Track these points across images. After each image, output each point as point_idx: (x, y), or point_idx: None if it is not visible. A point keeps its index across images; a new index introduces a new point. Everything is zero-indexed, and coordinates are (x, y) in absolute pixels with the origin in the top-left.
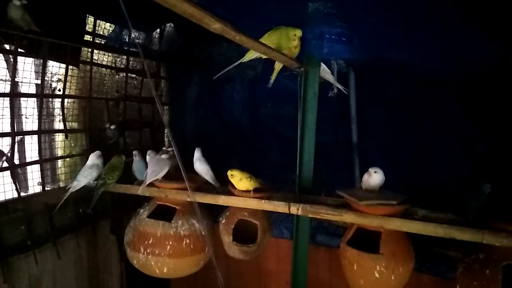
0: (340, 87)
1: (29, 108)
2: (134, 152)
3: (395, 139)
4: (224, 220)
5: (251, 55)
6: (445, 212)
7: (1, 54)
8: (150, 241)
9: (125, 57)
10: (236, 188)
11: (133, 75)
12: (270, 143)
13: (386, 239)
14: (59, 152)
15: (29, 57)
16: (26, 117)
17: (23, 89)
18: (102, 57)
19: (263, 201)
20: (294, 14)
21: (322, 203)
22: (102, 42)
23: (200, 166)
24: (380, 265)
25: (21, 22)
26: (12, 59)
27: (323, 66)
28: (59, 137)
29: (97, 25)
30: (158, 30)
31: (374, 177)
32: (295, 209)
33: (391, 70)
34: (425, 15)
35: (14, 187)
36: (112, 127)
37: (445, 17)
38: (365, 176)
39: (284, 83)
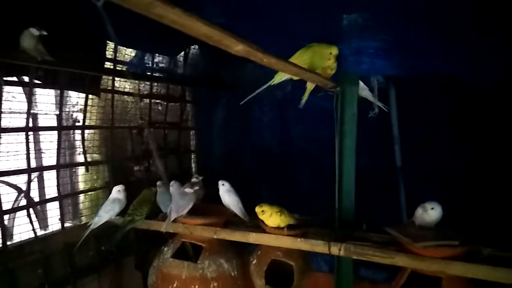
0: (380, 104)
1: (51, 141)
2: (158, 183)
3: (444, 161)
4: (255, 260)
5: (280, 77)
6: None
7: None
8: (175, 285)
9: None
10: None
11: (158, 101)
12: (303, 167)
13: (447, 285)
14: (82, 186)
15: (45, 88)
16: (42, 152)
17: (45, 121)
18: (124, 84)
19: (298, 239)
20: (328, 28)
21: (368, 240)
22: (124, 69)
23: (229, 198)
24: None
25: (35, 52)
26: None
27: (360, 82)
28: (82, 170)
29: (117, 51)
30: (183, 53)
31: (431, 214)
32: (337, 249)
33: (436, 83)
34: (479, 20)
35: (31, 227)
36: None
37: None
38: (419, 211)
39: (315, 102)
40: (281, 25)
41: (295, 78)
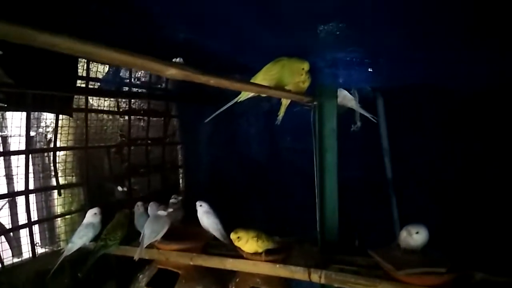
0: (367, 115)
1: (18, 166)
2: (138, 204)
3: (438, 170)
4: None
5: (247, 94)
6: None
7: None
8: None
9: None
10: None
11: (139, 117)
12: (293, 180)
13: None
14: (56, 210)
15: (9, 110)
16: (11, 177)
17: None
18: (101, 101)
19: (277, 265)
20: (303, 39)
21: (352, 264)
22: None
23: (208, 221)
24: None
25: None
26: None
27: (344, 92)
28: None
29: (90, 68)
30: None
31: (416, 239)
32: (317, 277)
33: (427, 90)
34: (465, 28)
35: None
36: (120, 188)
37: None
38: (403, 234)
39: (303, 113)
40: (253, 38)
41: (263, 95)
